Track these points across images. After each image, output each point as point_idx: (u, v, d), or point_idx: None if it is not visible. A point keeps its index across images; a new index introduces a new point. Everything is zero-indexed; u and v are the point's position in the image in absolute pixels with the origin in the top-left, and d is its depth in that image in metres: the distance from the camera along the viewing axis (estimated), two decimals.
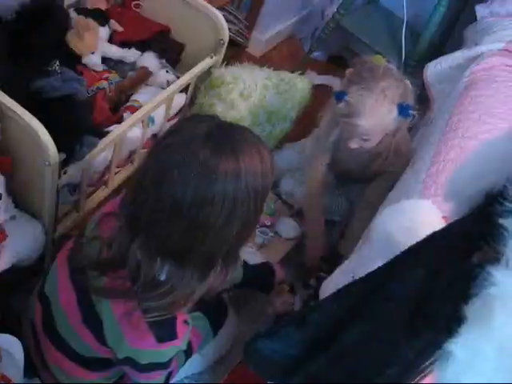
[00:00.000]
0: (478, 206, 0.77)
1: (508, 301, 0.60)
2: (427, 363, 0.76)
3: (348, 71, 1.82)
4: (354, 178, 2.13)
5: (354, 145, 1.85)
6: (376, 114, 1.74)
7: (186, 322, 1.30)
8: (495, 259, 0.62)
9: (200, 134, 1.11)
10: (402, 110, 1.76)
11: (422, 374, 0.79)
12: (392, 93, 1.74)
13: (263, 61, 2.85)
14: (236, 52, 2.78)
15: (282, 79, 2.25)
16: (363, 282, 0.96)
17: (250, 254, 1.99)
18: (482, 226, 0.68)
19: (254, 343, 1.03)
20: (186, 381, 1.82)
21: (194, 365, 1.76)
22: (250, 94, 2.13)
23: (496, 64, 2.07)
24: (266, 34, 3.03)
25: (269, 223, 2.17)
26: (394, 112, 1.76)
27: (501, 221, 0.63)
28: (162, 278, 1.20)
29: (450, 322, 0.66)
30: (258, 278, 1.85)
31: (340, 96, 1.78)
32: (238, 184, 1.09)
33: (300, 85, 2.28)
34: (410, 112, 1.79)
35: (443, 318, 0.70)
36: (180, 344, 1.30)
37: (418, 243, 0.87)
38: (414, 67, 2.64)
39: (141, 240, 1.17)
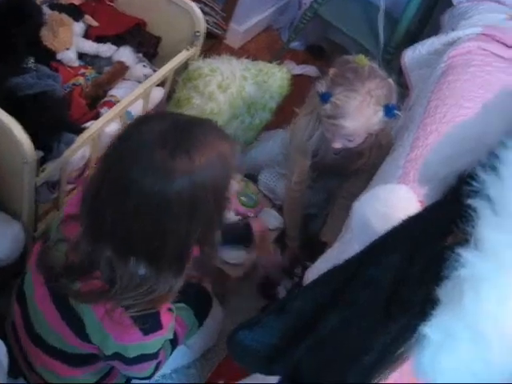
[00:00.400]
0: (451, 188, 0.78)
1: (477, 281, 0.60)
2: (403, 348, 0.77)
3: (331, 71, 1.78)
4: (334, 172, 2.13)
5: (337, 145, 1.83)
6: (362, 115, 1.72)
7: (169, 309, 1.30)
8: (465, 241, 0.62)
9: (155, 138, 1.09)
10: (388, 111, 1.74)
11: (400, 360, 0.79)
12: (378, 94, 1.72)
13: (241, 52, 2.84)
14: (213, 44, 2.77)
15: (260, 70, 2.24)
16: (342, 268, 0.96)
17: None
18: (453, 208, 0.68)
19: (236, 334, 1.03)
20: (173, 375, 1.82)
21: (181, 357, 1.76)
22: (228, 85, 2.11)
23: (472, 48, 2.08)
24: (243, 25, 3.01)
25: (252, 215, 2.17)
26: (380, 113, 1.74)
27: (469, 201, 0.63)
28: (139, 279, 1.18)
29: (424, 306, 0.66)
30: (234, 231, 1.89)
31: (325, 97, 1.75)
32: (194, 184, 1.09)
33: (279, 75, 2.27)
34: (396, 112, 1.78)
35: (417, 302, 0.71)
36: (166, 333, 1.30)
37: (393, 228, 0.88)
38: (392, 54, 2.64)
39: (106, 244, 1.16)
